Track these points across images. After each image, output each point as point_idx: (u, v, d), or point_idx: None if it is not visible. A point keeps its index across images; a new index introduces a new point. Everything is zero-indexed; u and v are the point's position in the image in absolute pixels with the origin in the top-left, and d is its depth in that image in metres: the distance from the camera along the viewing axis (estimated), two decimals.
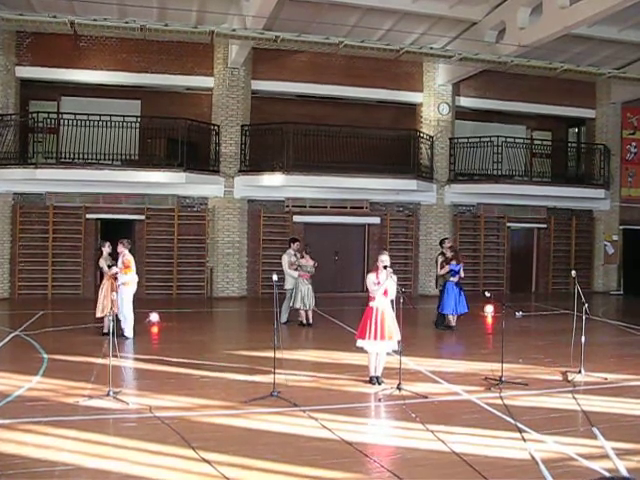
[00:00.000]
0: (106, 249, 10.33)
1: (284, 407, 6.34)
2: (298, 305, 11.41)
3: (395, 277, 7.27)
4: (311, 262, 11.54)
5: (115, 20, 12.97)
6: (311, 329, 11.42)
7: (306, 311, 11.51)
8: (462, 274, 11.54)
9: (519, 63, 14.70)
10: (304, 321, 11.54)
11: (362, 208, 16.70)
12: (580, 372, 7.75)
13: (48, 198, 14.84)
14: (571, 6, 11.59)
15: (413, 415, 6.13)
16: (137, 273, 10.18)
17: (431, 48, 14.93)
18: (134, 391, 6.90)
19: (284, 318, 11.66)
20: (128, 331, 9.88)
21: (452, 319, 11.49)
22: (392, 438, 5.73)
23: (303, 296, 11.38)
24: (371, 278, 7.32)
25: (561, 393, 7.11)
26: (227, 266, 15.70)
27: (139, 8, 13.04)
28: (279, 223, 16.24)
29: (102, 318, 10.10)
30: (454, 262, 11.42)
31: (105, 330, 9.73)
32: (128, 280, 9.85)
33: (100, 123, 13.81)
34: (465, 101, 17.64)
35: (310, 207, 16.31)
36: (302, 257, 11.62)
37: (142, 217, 15.36)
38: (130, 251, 10.15)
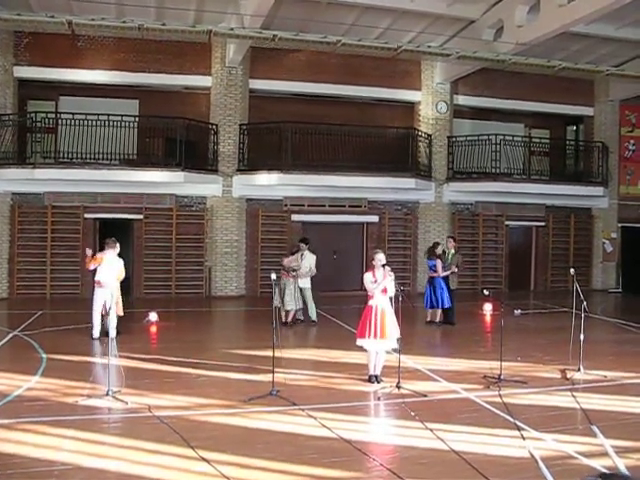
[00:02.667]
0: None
1: (283, 406, 6.34)
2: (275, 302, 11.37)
3: (393, 275, 7.28)
4: (289, 263, 11.38)
5: (113, 20, 12.92)
6: (314, 328, 11.45)
7: (286, 311, 11.37)
8: (440, 272, 11.43)
9: (517, 61, 14.65)
10: (283, 319, 11.36)
11: (360, 207, 16.69)
12: (579, 370, 7.75)
13: (46, 198, 14.80)
14: (569, 4, 11.60)
15: (412, 413, 6.13)
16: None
17: (429, 46, 14.90)
18: (133, 390, 6.87)
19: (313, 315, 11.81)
20: (95, 332, 9.77)
21: (428, 314, 11.65)
22: (391, 436, 5.74)
23: (282, 295, 11.28)
24: (368, 277, 7.36)
25: (560, 391, 7.12)
26: (225, 265, 15.69)
27: (137, 8, 13.05)
28: (277, 222, 16.21)
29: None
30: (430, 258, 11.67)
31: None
32: (99, 279, 9.75)
33: (98, 123, 13.77)
34: (463, 99, 17.64)
35: (308, 206, 16.27)
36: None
37: (140, 217, 15.32)
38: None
